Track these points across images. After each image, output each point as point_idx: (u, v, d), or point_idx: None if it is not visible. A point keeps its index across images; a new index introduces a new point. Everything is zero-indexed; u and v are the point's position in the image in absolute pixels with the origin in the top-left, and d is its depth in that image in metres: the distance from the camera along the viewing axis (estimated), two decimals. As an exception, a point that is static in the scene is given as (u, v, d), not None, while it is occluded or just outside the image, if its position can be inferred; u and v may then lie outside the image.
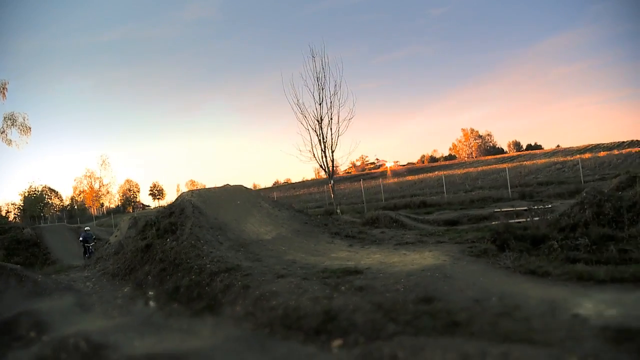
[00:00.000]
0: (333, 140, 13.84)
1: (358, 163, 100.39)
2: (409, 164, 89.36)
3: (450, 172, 31.53)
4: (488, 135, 79.32)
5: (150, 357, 3.83)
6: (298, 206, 15.20)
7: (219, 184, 10.18)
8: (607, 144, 43.41)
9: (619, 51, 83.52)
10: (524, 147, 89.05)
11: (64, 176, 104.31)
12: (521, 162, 35.08)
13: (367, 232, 8.06)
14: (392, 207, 13.70)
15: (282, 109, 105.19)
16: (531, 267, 5.63)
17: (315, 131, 13.48)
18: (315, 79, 13.73)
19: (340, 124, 13.88)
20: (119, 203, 52.24)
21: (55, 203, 44.20)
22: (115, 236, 8.97)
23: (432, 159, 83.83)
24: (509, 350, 3.12)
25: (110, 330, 4.68)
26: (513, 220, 8.11)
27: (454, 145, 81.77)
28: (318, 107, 13.84)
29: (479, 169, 30.82)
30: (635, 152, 24.15)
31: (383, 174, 54.99)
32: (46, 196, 44.69)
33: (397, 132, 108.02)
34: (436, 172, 34.74)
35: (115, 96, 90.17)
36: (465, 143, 79.61)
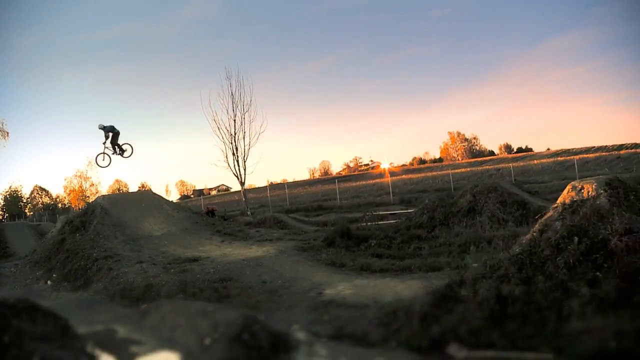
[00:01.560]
0: (245, 151, 15.90)
1: (352, 164, 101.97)
2: (402, 165, 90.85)
3: (413, 176, 33.24)
4: (474, 138, 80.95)
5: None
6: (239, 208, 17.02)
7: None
8: (578, 149, 44.85)
9: (621, 53, 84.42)
10: (515, 149, 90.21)
11: (60, 174, 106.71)
12: (476, 168, 36.60)
13: (246, 231, 9.81)
14: (294, 210, 15.62)
15: (281, 109, 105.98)
16: (334, 260, 7.36)
17: (232, 143, 15.52)
18: (230, 98, 16.05)
19: (251, 137, 16.06)
20: (108, 201, 54.28)
21: (45, 201, 46.71)
22: (51, 232, 10.79)
23: (421, 161, 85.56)
24: (216, 308, 4.83)
25: None
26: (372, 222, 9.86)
27: (442, 149, 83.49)
28: (232, 122, 15.97)
29: (440, 172, 32.49)
30: (577, 158, 25.76)
31: (363, 176, 56.61)
32: (37, 195, 47.37)
33: (397, 132, 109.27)
34: (402, 176, 36.46)
35: (113, 95, 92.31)
36: (452, 146, 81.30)
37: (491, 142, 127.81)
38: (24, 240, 13.64)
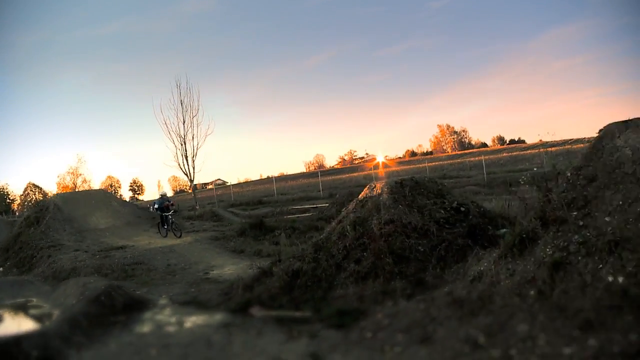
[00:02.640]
0: (194, 152, 17.54)
1: (346, 158, 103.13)
2: (396, 158, 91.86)
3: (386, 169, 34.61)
4: (463, 131, 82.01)
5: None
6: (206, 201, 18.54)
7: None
8: (558, 141, 45.82)
9: (618, 45, 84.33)
10: (508, 141, 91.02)
11: (58, 171, 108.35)
12: (443, 162, 37.85)
13: (182, 223, 11.31)
14: (237, 204, 17.17)
15: (281, 103, 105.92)
16: (238, 247, 8.83)
17: (182, 144, 17.14)
18: (180, 103, 17.68)
19: (199, 139, 17.75)
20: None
21: (38, 198, 48.50)
22: (16, 227, 12.38)
23: (413, 154, 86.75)
24: (96, 280, 6.32)
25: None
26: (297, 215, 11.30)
27: (433, 142, 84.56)
28: (182, 125, 17.69)
29: (418, 165, 33.81)
30: (542, 152, 26.92)
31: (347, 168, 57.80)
32: (30, 192, 49.43)
33: (396, 125, 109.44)
34: (393, 168, 37.86)
35: (112, 92, 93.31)
36: (442, 139, 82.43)
37: (488, 134, 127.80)
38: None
